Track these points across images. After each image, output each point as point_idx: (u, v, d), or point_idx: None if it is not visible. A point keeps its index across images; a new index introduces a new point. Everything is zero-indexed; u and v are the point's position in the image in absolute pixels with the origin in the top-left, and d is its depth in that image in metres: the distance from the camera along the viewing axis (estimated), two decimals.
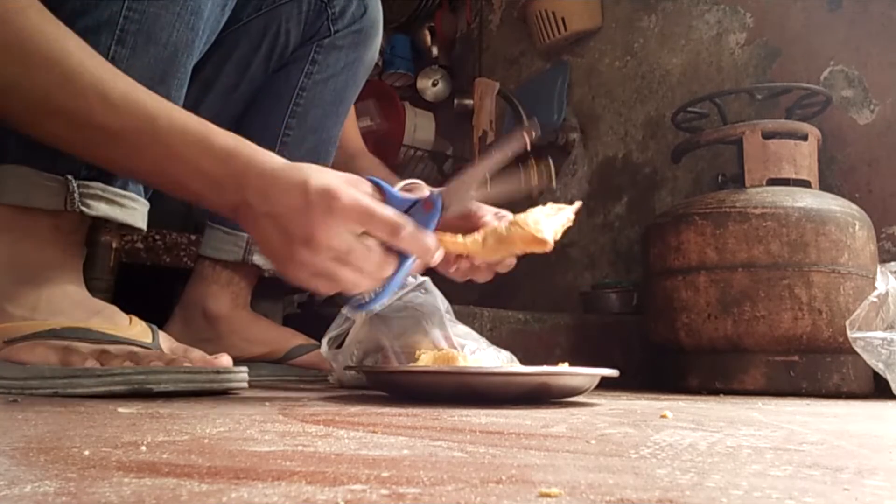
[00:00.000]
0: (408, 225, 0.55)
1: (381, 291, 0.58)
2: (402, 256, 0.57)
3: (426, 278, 0.79)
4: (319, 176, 0.56)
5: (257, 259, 0.95)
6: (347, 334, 0.79)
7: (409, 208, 0.58)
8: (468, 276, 0.69)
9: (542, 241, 0.59)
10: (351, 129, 1.10)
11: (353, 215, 0.55)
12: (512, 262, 0.67)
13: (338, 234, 0.54)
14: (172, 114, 0.57)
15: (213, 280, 0.95)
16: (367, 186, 0.58)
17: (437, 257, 0.58)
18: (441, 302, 0.79)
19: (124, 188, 0.68)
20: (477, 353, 0.75)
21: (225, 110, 0.95)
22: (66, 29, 0.57)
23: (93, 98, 0.55)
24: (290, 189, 0.55)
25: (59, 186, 0.63)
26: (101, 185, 0.65)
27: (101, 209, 0.65)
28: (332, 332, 0.81)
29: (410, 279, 0.78)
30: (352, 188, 0.55)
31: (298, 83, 0.92)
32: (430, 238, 0.57)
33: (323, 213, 0.54)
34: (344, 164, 1.05)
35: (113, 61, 0.62)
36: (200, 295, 0.95)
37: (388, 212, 0.55)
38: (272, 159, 0.58)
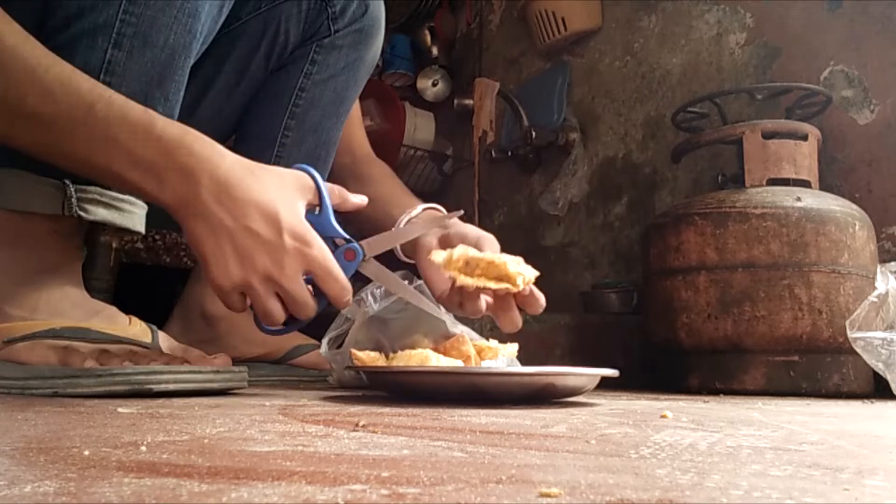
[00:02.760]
0: (348, 288, 0.61)
1: (292, 325, 0.64)
2: (321, 297, 0.62)
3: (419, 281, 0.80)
4: (287, 210, 0.58)
5: None
6: (347, 334, 0.80)
7: (330, 239, 0.63)
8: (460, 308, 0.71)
9: (513, 279, 0.62)
10: (358, 132, 1.09)
11: (316, 268, 0.59)
12: (518, 322, 0.68)
13: (296, 279, 0.59)
14: (112, 100, 0.56)
15: None
16: (311, 192, 0.62)
17: (347, 301, 0.62)
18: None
19: (122, 191, 0.68)
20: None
21: (224, 110, 0.95)
22: (2, 13, 0.55)
23: (25, 82, 0.54)
24: (260, 213, 0.57)
25: (56, 190, 0.63)
26: (98, 188, 0.65)
27: (98, 213, 0.65)
28: (332, 333, 0.82)
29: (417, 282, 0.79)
30: (316, 237, 0.60)
31: (298, 83, 0.92)
32: (348, 287, 0.62)
33: (293, 258, 0.58)
34: (351, 167, 1.04)
35: (109, 65, 0.62)
36: (200, 295, 0.95)
37: (341, 274, 0.61)
38: (222, 158, 0.58)
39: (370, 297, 0.79)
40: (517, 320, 0.68)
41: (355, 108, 1.09)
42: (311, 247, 0.59)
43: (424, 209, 0.82)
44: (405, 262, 0.86)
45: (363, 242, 0.66)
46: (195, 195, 0.56)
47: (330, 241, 0.63)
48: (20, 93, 0.54)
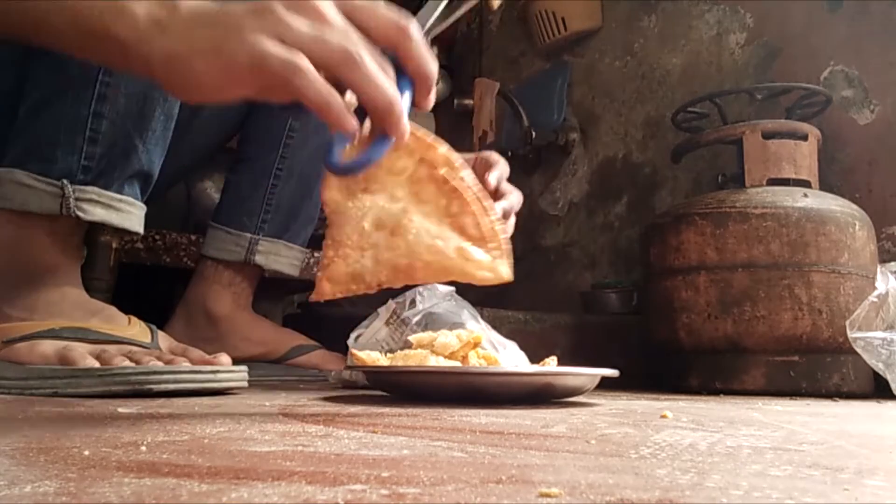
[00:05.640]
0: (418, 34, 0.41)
1: (370, 149, 0.42)
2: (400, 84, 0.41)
3: (452, 288, 0.83)
4: None
5: (259, 259, 0.96)
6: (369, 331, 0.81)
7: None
8: None
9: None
10: None
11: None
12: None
13: (340, 23, 0.39)
14: None
15: (214, 280, 0.96)
16: None
17: (431, 98, 0.43)
18: (469, 308, 0.81)
19: (120, 192, 0.68)
20: (508, 347, 0.78)
21: (228, 112, 0.95)
22: None
23: None
24: None
25: (54, 191, 0.63)
26: (96, 189, 0.65)
27: (97, 214, 0.65)
28: (359, 330, 0.82)
29: (440, 288, 0.79)
30: None
31: None
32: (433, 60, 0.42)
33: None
34: None
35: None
36: (202, 295, 0.95)
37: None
38: None
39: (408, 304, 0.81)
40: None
41: None
42: None
43: None
44: None
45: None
46: (177, 17, 0.39)
47: None
48: None
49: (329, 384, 0.86)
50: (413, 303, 0.81)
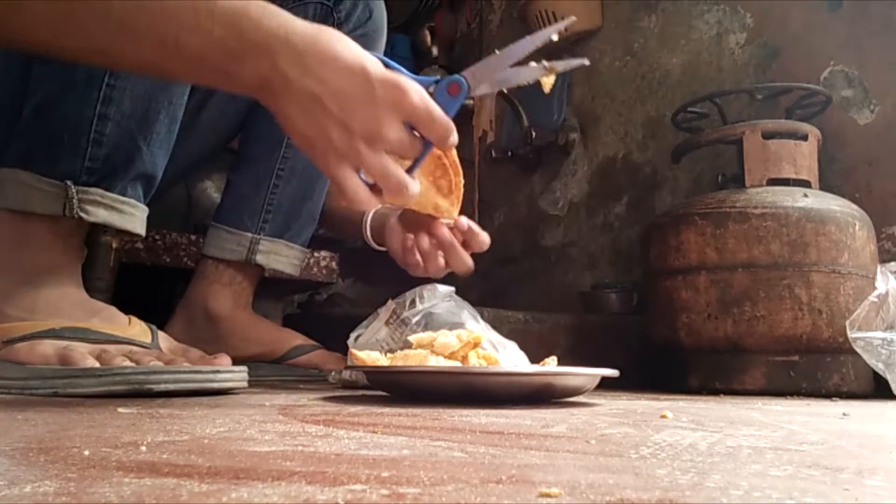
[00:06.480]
0: (451, 128, 0.57)
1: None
2: (425, 143, 0.57)
3: (452, 288, 0.84)
4: (371, 61, 0.54)
5: (260, 259, 0.95)
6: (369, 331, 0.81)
7: (428, 89, 0.57)
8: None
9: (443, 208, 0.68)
10: None
11: (416, 113, 0.55)
12: (468, 261, 0.75)
13: (398, 129, 0.54)
14: None
15: (215, 280, 0.95)
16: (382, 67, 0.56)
17: (452, 141, 0.58)
18: (469, 309, 0.81)
19: (123, 194, 0.68)
20: (508, 347, 0.79)
21: (229, 112, 0.95)
22: None
23: None
24: (346, 71, 0.52)
25: (57, 192, 0.63)
26: (100, 190, 0.65)
27: (99, 215, 0.65)
28: (359, 330, 0.82)
29: (440, 288, 0.81)
30: (409, 80, 0.55)
31: None
32: (451, 127, 0.57)
33: (390, 108, 0.53)
34: None
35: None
36: (202, 294, 0.95)
37: (442, 114, 0.56)
38: (293, 23, 0.53)
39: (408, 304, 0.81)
40: (467, 259, 0.73)
41: None
42: (407, 92, 0.54)
43: None
44: (376, 250, 0.90)
45: (465, 73, 0.60)
46: (275, 69, 0.51)
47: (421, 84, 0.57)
48: None
49: (329, 384, 0.86)
50: (413, 303, 0.81)
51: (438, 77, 0.59)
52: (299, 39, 0.52)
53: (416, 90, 0.55)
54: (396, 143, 0.55)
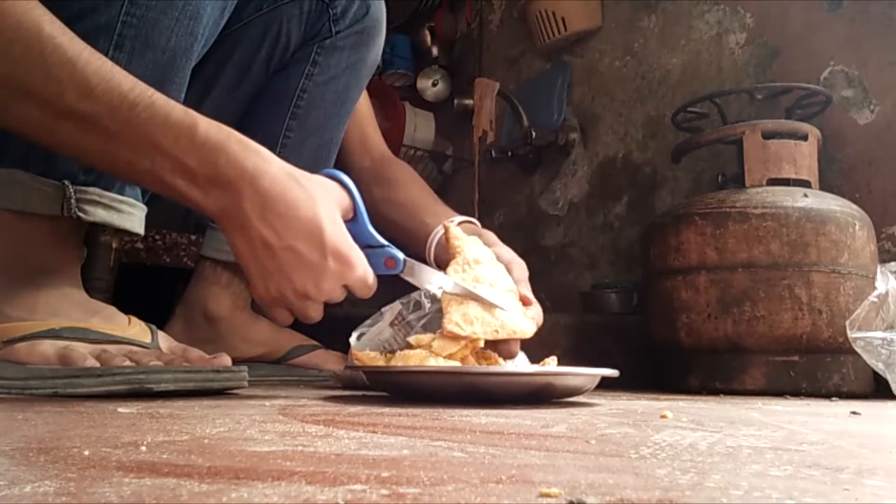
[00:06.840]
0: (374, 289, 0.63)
1: None
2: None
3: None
4: (331, 227, 0.58)
5: None
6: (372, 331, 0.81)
7: (368, 247, 0.64)
8: None
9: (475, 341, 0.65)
10: (373, 133, 1.08)
11: (355, 285, 0.60)
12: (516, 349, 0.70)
13: (332, 289, 0.59)
14: (154, 101, 0.53)
15: (213, 281, 0.95)
16: (346, 202, 0.62)
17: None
18: None
19: (122, 193, 0.68)
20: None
21: (225, 111, 0.95)
22: (38, 4, 0.52)
23: (64, 76, 0.51)
24: (305, 233, 0.56)
25: (55, 191, 0.63)
26: (98, 190, 0.65)
27: (98, 214, 0.65)
28: (362, 329, 0.82)
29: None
30: (360, 256, 0.60)
31: (299, 84, 0.92)
32: (374, 285, 0.63)
33: (334, 279, 0.58)
34: (372, 170, 1.03)
35: None
36: (201, 295, 0.95)
37: (373, 280, 0.62)
38: (268, 166, 0.56)
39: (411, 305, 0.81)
40: (515, 349, 0.71)
41: (368, 109, 1.08)
42: (354, 269, 0.59)
43: (461, 223, 0.82)
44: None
45: (409, 261, 0.66)
46: (238, 207, 0.55)
47: (367, 248, 0.64)
48: (59, 88, 0.51)
49: (329, 384, 0.86)
50: (418, 305, 0.81)
51: (386, 243, 0.65)
52: (269, 186, 0.55)
53: (361, 265, 0.60)
54: (326, 296, 0.60)
